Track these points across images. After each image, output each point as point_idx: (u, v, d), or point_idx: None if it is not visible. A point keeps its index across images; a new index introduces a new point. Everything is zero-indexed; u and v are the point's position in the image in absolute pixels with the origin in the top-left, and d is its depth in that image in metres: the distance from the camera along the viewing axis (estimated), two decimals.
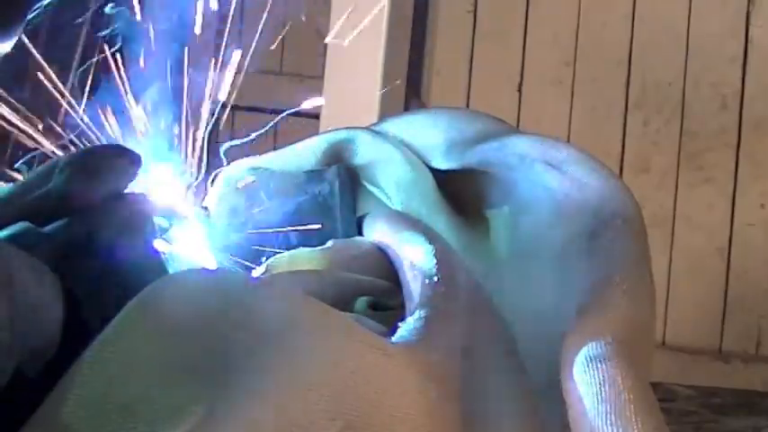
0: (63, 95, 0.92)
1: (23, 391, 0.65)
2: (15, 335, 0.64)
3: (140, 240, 0.74)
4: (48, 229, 0.73)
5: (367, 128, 0.95)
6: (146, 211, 0.76)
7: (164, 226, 0.79)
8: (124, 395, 0.61)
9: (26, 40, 0.85)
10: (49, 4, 0.87)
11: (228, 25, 1.00)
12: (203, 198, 0.94)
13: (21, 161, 0.90)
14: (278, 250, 0.87)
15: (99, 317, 0.66)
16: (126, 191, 0.77)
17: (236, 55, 0.97)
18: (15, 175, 0.89)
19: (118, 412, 0.61)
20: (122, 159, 0.76)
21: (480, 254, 0.88)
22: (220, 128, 0.96)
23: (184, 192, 0.90)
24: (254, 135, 0.98)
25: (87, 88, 0.93)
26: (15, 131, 0.89)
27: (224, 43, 0.96)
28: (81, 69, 0.99)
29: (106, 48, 0.94)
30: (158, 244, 0.77)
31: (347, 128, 0.95)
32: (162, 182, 0.88)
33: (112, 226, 0.73)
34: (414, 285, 0.77)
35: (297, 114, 1.03)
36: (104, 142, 0.90)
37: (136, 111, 0.91)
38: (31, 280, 0.67)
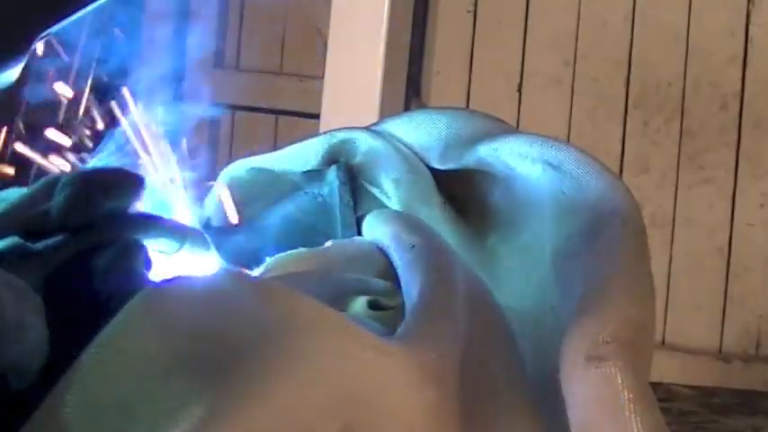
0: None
1: (10, 405, 0.65)
2: None
3: (132, 265, 0.73)
4: (39, 246, 0.72)
5: (367, 128, 0.96)
6: (141, 237, 0.75)
7: (170, 247, 0.78)
8: (124, 395, 0.61)
9: None
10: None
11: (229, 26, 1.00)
12: (203, 199, 0.94)
13: None
14: (277, 251, 0.87)
15: (78, 338, 0.65)
16: (128, 211, 0.76)
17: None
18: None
19: (117, 412, 0.61)
20: (125, 181, 0.76)
21: (480, 253, 0.88)
22: (221, 128, 0.96)
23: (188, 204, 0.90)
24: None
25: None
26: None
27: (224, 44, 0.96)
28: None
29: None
30: (157, 262, 0.77)
31: (347, 128, 0.95)
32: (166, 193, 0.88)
33: (105, 248, 0.73)
34: (413, 285, 0.77)
35: (297, 114, 1.04)
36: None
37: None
38: (8, 297, 0.66)
